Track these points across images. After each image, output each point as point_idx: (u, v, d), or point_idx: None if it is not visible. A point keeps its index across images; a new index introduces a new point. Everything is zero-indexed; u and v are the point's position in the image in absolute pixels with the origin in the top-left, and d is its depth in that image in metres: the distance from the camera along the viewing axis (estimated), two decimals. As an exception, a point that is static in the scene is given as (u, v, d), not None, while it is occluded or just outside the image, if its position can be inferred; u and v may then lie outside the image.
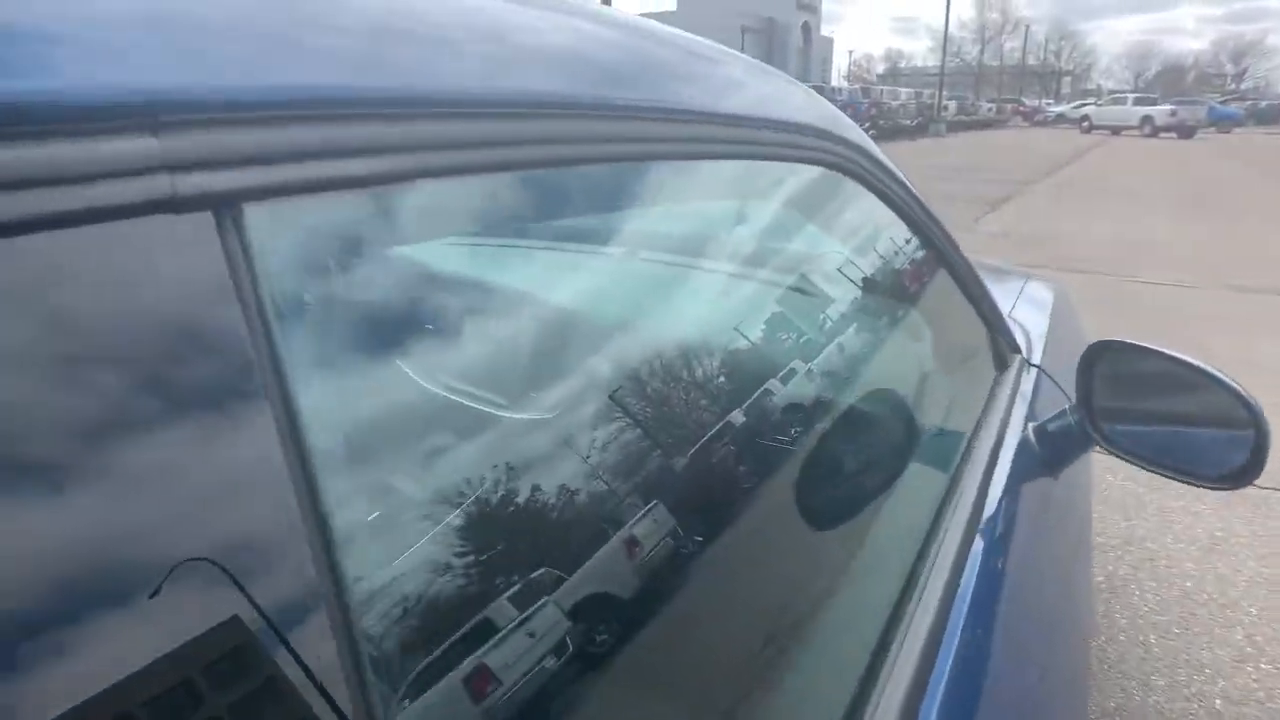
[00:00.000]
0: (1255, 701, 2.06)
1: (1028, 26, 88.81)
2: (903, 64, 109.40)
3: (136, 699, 0.27)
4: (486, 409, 0.66)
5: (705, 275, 0.99)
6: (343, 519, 0.34)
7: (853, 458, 1.02)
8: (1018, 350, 1.49)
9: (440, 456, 0.59)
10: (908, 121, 31.64)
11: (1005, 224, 9.53)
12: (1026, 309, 1.88)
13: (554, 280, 0.84)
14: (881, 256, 1.19)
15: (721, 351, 0.90)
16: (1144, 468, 1.16)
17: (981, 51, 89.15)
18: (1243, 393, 1.07)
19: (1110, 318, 5.06)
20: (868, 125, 26.61)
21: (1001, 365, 1.42)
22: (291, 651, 0.31)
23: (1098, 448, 1.22)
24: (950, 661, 0.76)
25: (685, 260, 0.94)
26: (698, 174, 0.72)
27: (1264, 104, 48.26)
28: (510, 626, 0.51)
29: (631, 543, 0.63)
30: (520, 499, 0.58)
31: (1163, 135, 32.44)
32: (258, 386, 0.32)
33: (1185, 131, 32.43)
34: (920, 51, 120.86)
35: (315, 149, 0.36)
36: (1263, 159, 21.15)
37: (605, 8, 0.72)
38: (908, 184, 1.08)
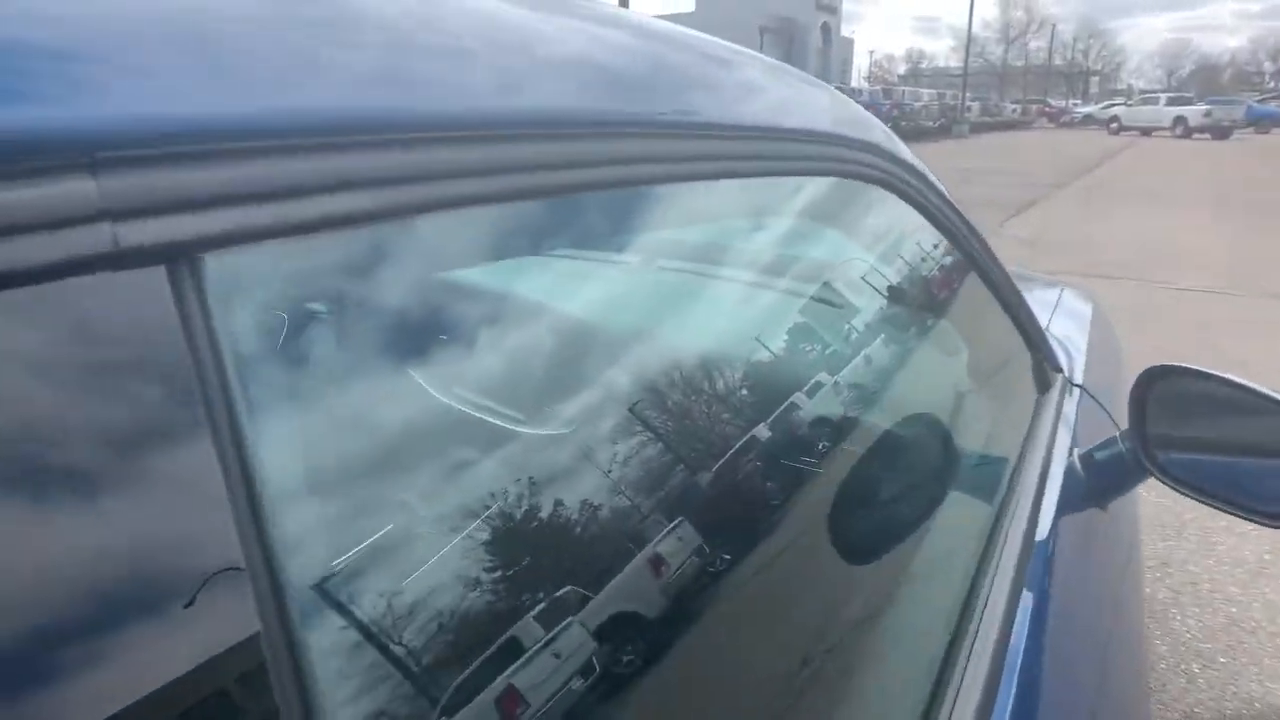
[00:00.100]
0: (1311, 739, 1.96)
1: (1054, 25, 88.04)
2: (924, 64, 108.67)
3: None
4: (510, 430, 0.64)
5: (738, 291, 0.96)
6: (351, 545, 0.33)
7: (893, 480, 0.98)
8: (1059, 369, 1.42)
9: (458, 478, 0.56)
10: (930, 123, 31.38)
11: (1031, 229, 9.38)
12: (1064, 322, 1.81)
13: (586, 297, 0.80)
14: (920, 271, 1.14)
15: (753, 367, 0.87)
16: (1202, 501, 1.08)
17: (1006, 51, 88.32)
18: None
19: (1142, 326, 4.93)
20: (889, 126, 26.33)
21: (1044, 386, 1.35)
22: (312, 677, 0.29)
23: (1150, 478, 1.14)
24: (1010, 706, 0.74)
25: (719, 275, 0.91)
26: (732, 188, 0.70)
27: (1301, 103, 47.46)
28: (537, 647, 0.51)
29: (658, 561, 0.61)
30: (544, 516, 0.56)
31: (1196, 136, 31.79)
32: (223, 479, 0.28)
33: (1220, 132, 31.66)
34: (942, 51, 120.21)
35: (289, 184, 0.31)
36: (1297, 160, 20.75)
37: (635, 15, 0.69)
38: (947, 195, 1.05)
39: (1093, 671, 0.96)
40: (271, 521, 0.29)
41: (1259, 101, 42.44)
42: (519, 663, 0.49)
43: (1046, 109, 54.09)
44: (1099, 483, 1.18)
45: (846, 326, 1.07)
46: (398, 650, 0.42)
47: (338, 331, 0.39)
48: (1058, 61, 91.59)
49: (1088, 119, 46.32)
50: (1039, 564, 0.93)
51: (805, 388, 0.89)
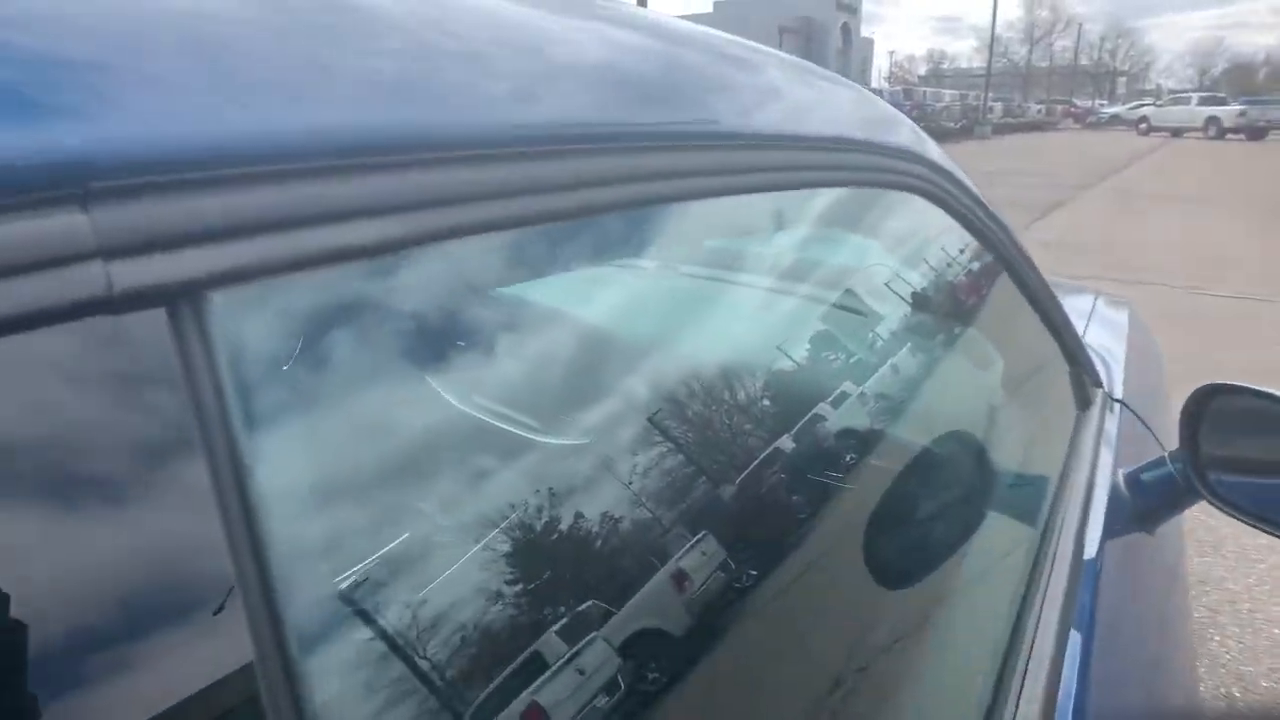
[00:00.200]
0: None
1: (1081, 25, 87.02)
2: (946, 65, 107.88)
3: None
4: (537, 443, 0.62)
5: (771, 302, 0.94)
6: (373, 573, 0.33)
7: (932, 497, 0.96)
8: (1099, 384, 1.38)
9: (479, 493, 0.55)
10: (951, 124, 31.10)
11: (1057, 232, 9.22)
12: (1100, 332, 1.75)
13: (621, 310, 0.78)
14: (958, 282, 1.12)
15: (787, 379, 0.86)
16: (1260, 528, 1.02)
17: (1030, 51, 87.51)
18: None
19: (1175, 333, 4.80)
20: (912, 128, 26.11)
21: (1084, 402, 1.30)
22: (328, 696, 0.29)
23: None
24: None
25: (752, 286, 0.90)
26: (768, 198, 0.68)
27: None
28: (560, 663, 0.50)
29: (681, 576, 0.60)
30: (567, 529, 0.55)
31: (1230, 137, 31.18)
32: (228, 537, 0.26)
33: (1255, 133, 30.91)
34: (965, 52, 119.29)
35: (301, 213, 0.28)
36: (1330, 161, 20.33)
37: (663, 19, 0.67)
38: (985, 202, 1.02)
39: (1144, 699, 0.94)
40: (281, 563, 0.27)
41: (1296, 100, 41.66)
42: (542, 679, 0.49)
43: (1072, 110, 53.50)
44: (1146, 504, 1.13)
45: (886, 339, 1.04)
46: (421, 664, 0.42)
47: (348, 362, 0.37)
48: (1084, 61, 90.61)
49: (1115, 120, 45.71)
50: (1087, 590, 0.90)
51: (844, 400, 0.87)
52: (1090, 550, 0.96)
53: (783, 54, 0.77)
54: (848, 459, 0.85)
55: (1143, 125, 35.78)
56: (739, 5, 47.27)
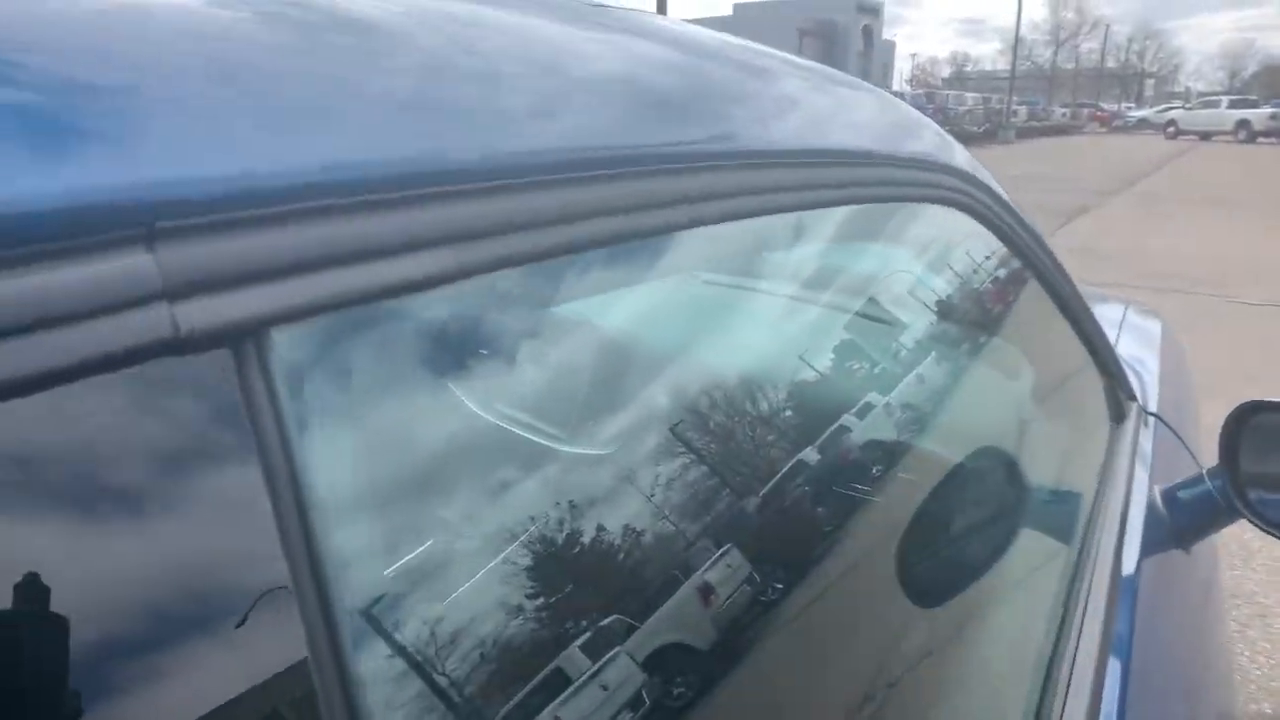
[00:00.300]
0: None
1: (1108, 26, 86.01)
2: (969, 67, 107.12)
3: None
4: (573, 456, 0.62)
5: (806, 315, 0.92)
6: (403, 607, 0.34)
7: (967, 512, 0.95)
8: (1133, 397, 1.35)
9: (509, 512, 0.55)
10: (974, 128, 30.79)
11: (1082, 238, 9.01)
12: (1132, 344, 1.72)
13: (658, 323, 0.76)
14: (993, 296, 1.12)
15: (821, 392, 0.85)
16: None
17: (1055, 53, 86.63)
18: None
19: (1204, 342, 4.63)
20: (934, 131, 25.92)
21: (1119, 416, 1.28)
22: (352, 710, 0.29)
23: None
24: None
25: (784, 298, 0.88)
26: (800, 214, 0.67)
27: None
28: (583, 678, 0.50)
29: (707, 589, 0.60)
30: (590, 541, 0.54)
31: (1261, 141, 30.61)
32: (290, 573, 0.26)
33: (1289, 137, 30.52)
34: (988, 54, 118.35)
35: (359, 247, 0.28)
36: (1366, 165, 19.89)
37: (697, 33, 0.66)
38: (1019, 213, 1.01)
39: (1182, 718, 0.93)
40: (334, 588, 0.28)
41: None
42: (565, 694, 0.48)
43: (1098, 113, 52.88)
44: (1183, 522, 1.11)
45: (918, 350, 1.04)
46: (442, 682, 0.42)
47: (399, 389, 0.38)
48: (1110, 64, 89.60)
49: (1142, 123, 45.10)
50: (1126, 611, 0.90)
51: (876, 412, 0.86)
52: (1128, 569, 0.95)
53: (810, 63, 0.76)
54: (879, 471, 0.84)
55: (1171, 129, 35.18)
56: (759, 8, 47.19)
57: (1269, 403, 1.06)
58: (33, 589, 0.21)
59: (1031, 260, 1.05)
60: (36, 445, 0.21)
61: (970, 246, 1.01)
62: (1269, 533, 1.04)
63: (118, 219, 0.22)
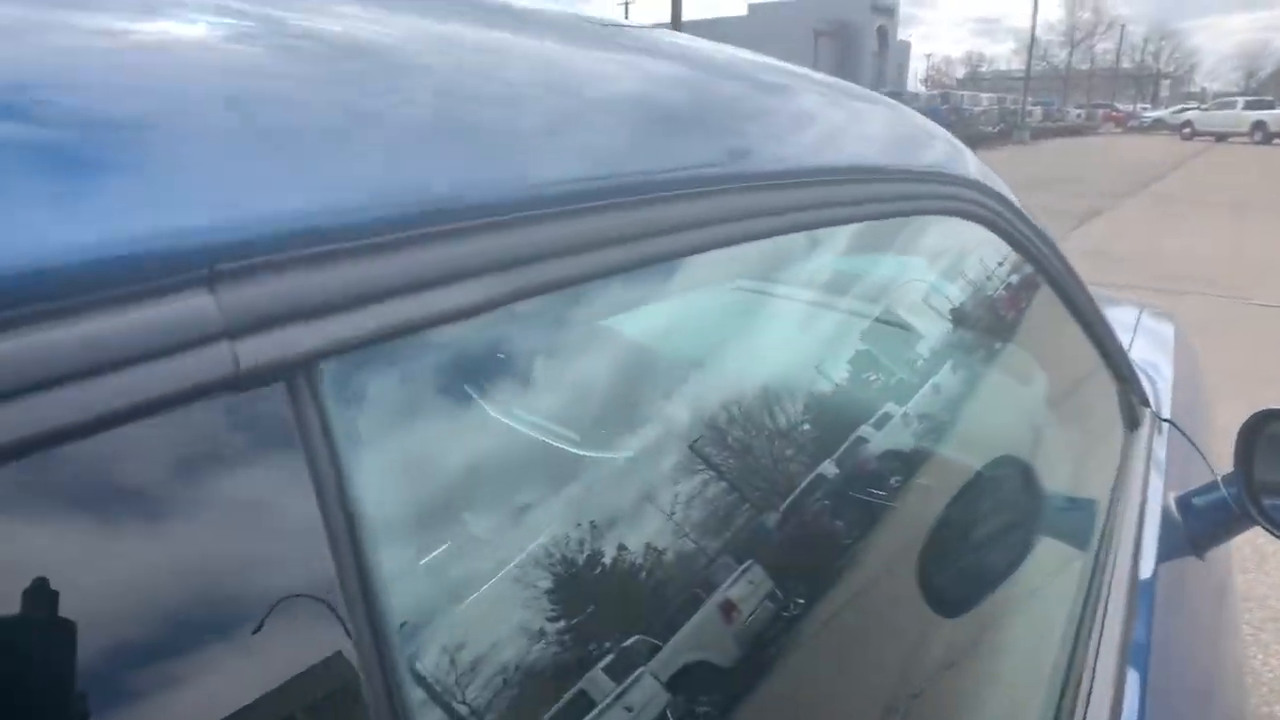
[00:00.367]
0: None
1: (1123, 26, 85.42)
2: (984, 68, 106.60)
3: None
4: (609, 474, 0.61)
5: (825, 327, 0.92)
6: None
7: (987, 521, 0.96)
8: (1146, 403, 1.36)
9: (531, 533, 0.54)
10: (989, 128, 30.66)
11: (1097, 240, 8.97)
12: (1146, 348, 1.73)
13: (684, 337, 0.76)
14: (1008, 303, 1.12)
15: (830, 401, 0.85)
16: None
17: (1070, 54, 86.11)
18: None
19: (1218, 345, 4.59)
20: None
21: (1133, 422, 1.29)
22: None
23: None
24: None
25: (805, 308, 0.88)
26: (825, 233, 0.68)
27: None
28: (608, 700, 0.49)
29: (729, 606, 0.59)
30: (612, 560, 0.54)
31: (1276, 142, 30.35)
32: (341, 587, 0.27)
33: (1303, 138, 30.22)
34: (1003, 54, 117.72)
35: (404, 280, 0.29)
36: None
37: (713, 52, 0.66)
38: (1034, 222, 1.01)
39: None
40: (385, 622, 0.29)
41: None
42: (591, 716, 0.48)
43: (1113, 114, 52.57)
44: (1198, 529, 1.12)
45: (935, 360, 1.04)
46: (461, 710, 0.42)
47: (444, 415, 0.39)
48: (1126, 64, 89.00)
49: (1158, 124, 44.77)
50: (1143, 618, 0.90)
51: (895, 423, 0.86)
52: (1145, 577, 0.96)
53: (823, 76, 0.77)
54: (900, 481, 0.85)
55: (1186, 130, 34.90)
56: (774, 9, 47.16)
57: None
58: (108, 607, 0.22)
59: (1045, 267, 1.05)
60: (104, 479, 0.22)
61: (985, 256, 1.01)
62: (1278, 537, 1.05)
63: (180, 263, 0.23)
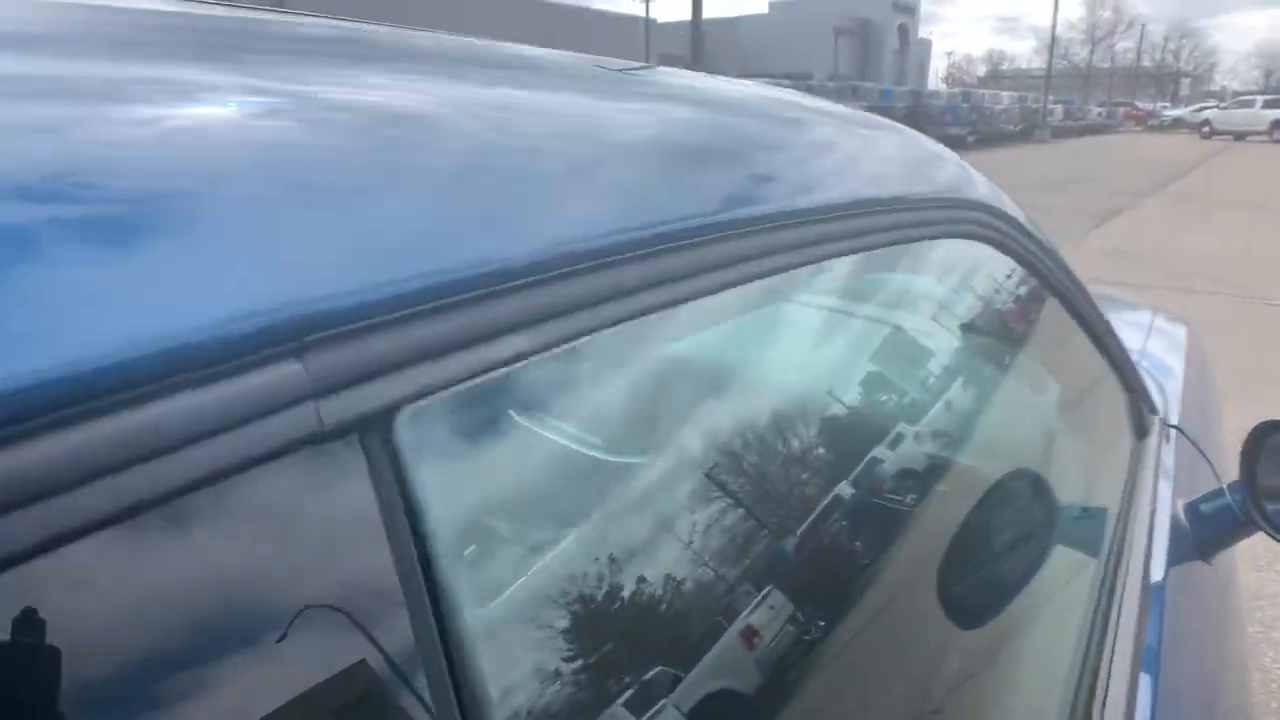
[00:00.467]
0: None
1: (1144, 25, 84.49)
2: (1005, 66, 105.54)
3: None
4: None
5: (838, 353, 0.93)
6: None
7: (1004, 533, 0.96)
8: (1155, 411, 1.41)
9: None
10: (1010, 127, 30.52)
11: (1116, 240, 9.05)
12: (1157, 353, 1.78)
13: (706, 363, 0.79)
14: (1016, 318, 1.13)
15: (846, 421, 0.84)
16: None
17: (1091, 52, 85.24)
18: None
19: (1234, 345, 4.73)
20: (968, 131, 25.83)
21: (1141, 431, 1.32)
22: None
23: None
24: None
25: (821, 329, 0.90)
26: (842, 263, 0.69)
27: None
28: None
29: (750, 632, 0.58)
30: (630, 592, 0.52)
31: (1294, 141, 30.23)
32: (415, 620, 0.30)
33: (1321, 137, 29.93)
34: (1024, 53, 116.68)
35: (462, 337, 0.33)
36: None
37: (727, 90, 0.68)
38: (1040, 238, 1.04)
39: None
40: (460, 658, 0.32)
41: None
42: None
43: (1134, 112, 52.08)
44: (1204, 535, 1.16)
45: (946, 377, 1.05)
46: None
47: (503, 458, 0.40)
48: (1146, 63, 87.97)
49: (1178, 123, 44.37)
50: (1154, 624, 0.91)
51: (911, 441, 0.86)
52: (1156, 584, 0.98)
53: (832, 106, 0.79)
54: (921, 498, 0.84)
55: (1206, 129, 34.62)
56: (794, 7, 46.90)
57: None
58: (202, 636, 0.25)
59: (1054, 283, 1.08)
60: (210, 525, 0.25)
61: (996, 275, 1.01)
62: None
63: (273, 337, 0.26)
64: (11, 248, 0.23)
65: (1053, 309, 1.13)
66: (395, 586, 0.30)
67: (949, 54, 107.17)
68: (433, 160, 0.37)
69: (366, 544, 0.30)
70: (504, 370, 0.35)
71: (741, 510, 0.62)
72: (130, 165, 0.28)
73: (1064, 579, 0.96)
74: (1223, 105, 38.81)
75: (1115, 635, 0.86)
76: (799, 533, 0.67)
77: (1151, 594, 0.97)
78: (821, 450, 0.75)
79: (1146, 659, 0.86)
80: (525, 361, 0.36)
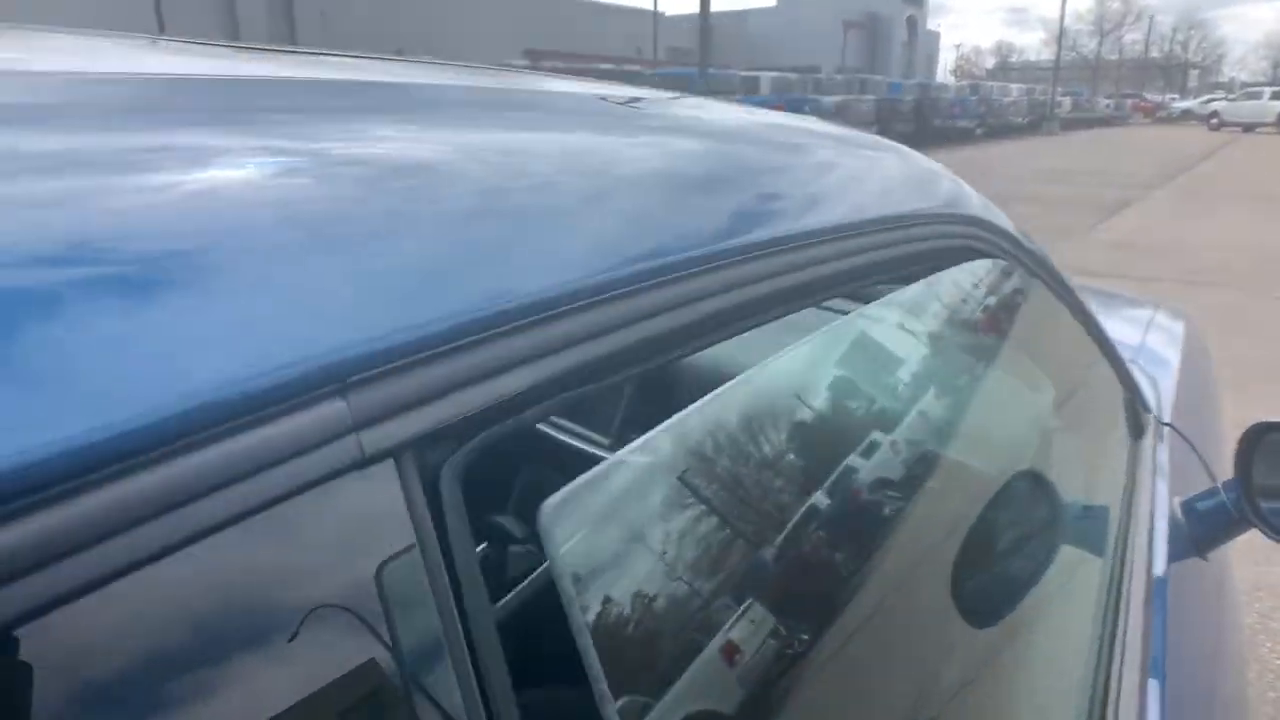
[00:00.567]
0: None
1: (1152, 16, 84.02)
2: (1014, 58, 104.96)
3: None
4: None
5: (842, 365, 0.92)
6: None
7: (1008, 534, 0.97)
8: (1149, 409, 1.44)
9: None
10: (1019, 119, 30.39)
11: (1123, 233, 9.04)
12: (1154, 349, 1.80)
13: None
14: (1011, 325, 1.14)
15: (857, 427, 0.81)
16: None
17: (1100, 44, 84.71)
18: None
19: (1242, 338, 4.75)
20: (976, 123, 25.74)
21: (1138, 430, 1.35)
22: None
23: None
24: None
25: (825, 346, 0.88)
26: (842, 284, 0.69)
27: None
28: None
29: (730, 649, 0.54)
30: (650, 599, 0.50)
31: (1302, 132, 30.06)
32: (444, 631, 0.33)
33: (1329, 128, 29.81)
34: (1033, 44, 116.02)
35: (485, 368, 0.36)
36: None
37: (708, 112, 0.70)
38: (1033, 249, 1.06)
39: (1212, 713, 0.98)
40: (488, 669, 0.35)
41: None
42: None
43: (1142, 104, 51.79)
44: (1200, 532, 1.19)
45: (944, 385, 1.04)
46: None
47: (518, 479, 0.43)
48: (1155, 54, 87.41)
49: (1186, 114, 44.09)
50: (1159, 620, 0.94)
51: (918, 448, 0.85)
52: (1159, 582, 1.02)
53: (829, 126, 0.81)
54: (927, 503, 0.83)
55: (1214, 120, 34.37)
56: (803, 1, 46.70)
57: (1278, 423, 1.15)
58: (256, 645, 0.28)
59: (1046, 290, 1.11)
60: (269, 541, 0.29)
61: (989, 286, 1.03)
62: (1277, 540, 1.12)
63: (321, 380, 0.30)
64: (90, 306, 0.27)
65: (1048, 315, 1.16)
66: (426, 589, 0.33)
67: (957, 46, 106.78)
68: (446, 206, 0.40)
69: (401, 554, 0.33)
70: (521, 395, 0.38)
71: (750, 521, 0.60)
72: (196, 233, 0.31)
73: (1072, 578, 0.97)
74: (1231, 97, 38.58)
75: (1126, 632, 0.87)
76: (812, 541, 0.64)
77: (1156, 591, 0.99)
78: (830, 459, 0.73)
79: (1155, 654, 0.88)
80: (541, 386, 0.39)
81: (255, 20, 23.98)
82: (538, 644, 0.48)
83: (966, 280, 0.98)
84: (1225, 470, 1.46)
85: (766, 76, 20.96)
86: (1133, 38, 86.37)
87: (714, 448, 0.60)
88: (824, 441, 0.72)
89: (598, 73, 17.98)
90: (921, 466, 0.83)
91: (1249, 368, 4.11)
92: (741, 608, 0.55)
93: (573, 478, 0.53)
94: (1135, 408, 1.36)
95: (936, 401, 0.99)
